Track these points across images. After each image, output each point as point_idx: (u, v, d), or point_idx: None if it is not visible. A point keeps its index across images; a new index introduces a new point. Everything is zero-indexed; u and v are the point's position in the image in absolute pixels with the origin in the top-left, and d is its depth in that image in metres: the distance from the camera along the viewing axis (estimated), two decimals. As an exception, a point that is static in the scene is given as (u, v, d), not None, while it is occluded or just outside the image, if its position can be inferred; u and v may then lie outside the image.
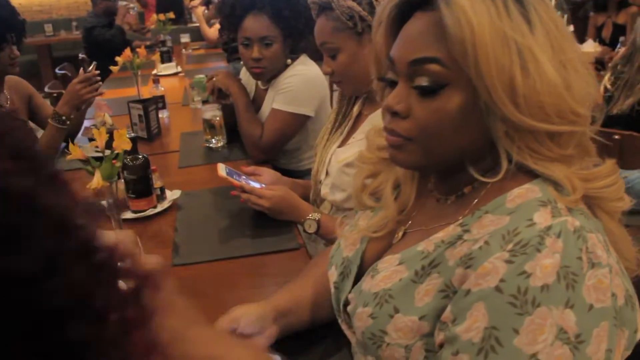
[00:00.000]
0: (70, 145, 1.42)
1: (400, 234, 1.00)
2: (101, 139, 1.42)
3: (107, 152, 1.42)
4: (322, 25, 1.62)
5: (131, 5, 6.12)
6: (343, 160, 1.66)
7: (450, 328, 0.78)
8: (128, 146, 1.41)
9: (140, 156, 1.78)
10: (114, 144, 1.40)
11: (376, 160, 1.08)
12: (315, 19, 1.65)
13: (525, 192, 0.81)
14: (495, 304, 0.73)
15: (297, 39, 2.23)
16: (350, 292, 1.01)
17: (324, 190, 1.76)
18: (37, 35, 7.95)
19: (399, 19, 0.89)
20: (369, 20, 1.53)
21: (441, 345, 0.80)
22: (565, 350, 0.70)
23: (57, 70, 4.50)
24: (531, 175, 0.82)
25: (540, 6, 0.80)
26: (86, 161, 1.44)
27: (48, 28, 7.98)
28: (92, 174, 1.41)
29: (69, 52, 7.42)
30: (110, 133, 1.45)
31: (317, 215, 1.64)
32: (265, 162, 2.23)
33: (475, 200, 0.87)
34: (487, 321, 0.74)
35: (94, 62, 2.45)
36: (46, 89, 3.85)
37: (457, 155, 0.86)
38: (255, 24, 2.17)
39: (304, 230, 1.65)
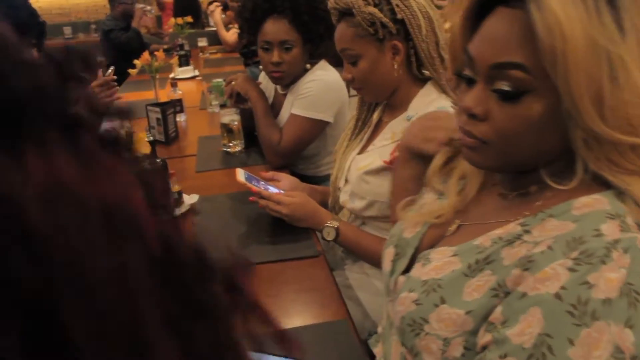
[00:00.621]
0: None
1: (455, 226, 0.98)
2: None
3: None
4: (342, 31, 1.60)
5: (147, 8, 6.15)
6: (362, 167, 1.64)
7: (499, 330, 0.76)
8: (147, 150, 1.40)
9: (158, 160, 1.78)
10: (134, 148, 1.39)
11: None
12: (336, 25, 1.63)
13: (593, 202, 0.78)
14: (553, 311, 0.71)
15: (317, 44, 2.21)
16: (402, 273, 1.01)
17: (343, 198, 1.74)
18: (56, 37, 8.02)
19: (478, 10, 0.85)
20: (390, 26, 1.51)
21: (484, 347, 0.78)
22: None
23: (76, 73, 4.51)
24: (602, 185, 0.80)
25: (633, 11, 0.76)
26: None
27: (67, 31, 8.04)
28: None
29: (88, 54, 7.46)
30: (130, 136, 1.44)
31: (335, 223, 1.62)
32: (284, 167, 2.22)
33: (539, 202, 0.85)
34: (542, 327, 0.71)
35: (112, 67, 2.45)
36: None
37: (532, 159, 0.84)
38: (275, 28, 2.16)
39: (323, 238, 1.64)
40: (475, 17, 0.85)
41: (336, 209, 1.83)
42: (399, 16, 1.51)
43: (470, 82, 0.86)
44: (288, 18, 2.15)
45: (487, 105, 0.82)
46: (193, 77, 4.20)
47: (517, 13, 0.78)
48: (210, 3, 5.40)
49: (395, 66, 1.57)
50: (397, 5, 1.50)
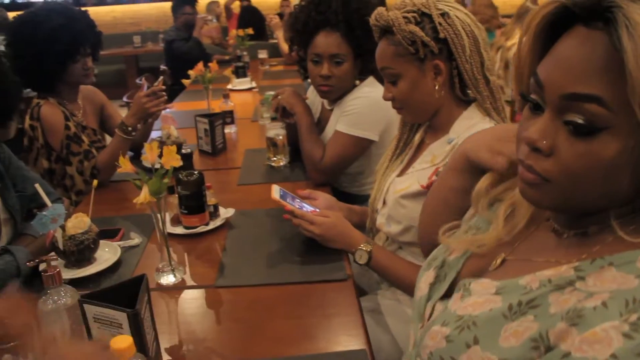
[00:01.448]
0: (121, 158, 1.41)
1: (499, 260, 0.89)
2: (152, 153, 1.41)
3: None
4: (383, 49, 1.56)
5: (209, 17, 6.26)
6: (400, 190, 1.58)
7: None
8: (177, 163, 1.39)
9: (195, 172, 1.77)
10: (163, 160, 1.38)
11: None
12: (377, 42, 1.59)
13: None
14: None
15: (368, 60, 2.17)
16: (440, 299, 0.94)
17: (380, 220, 1.69)
18: (126, 46, 8.29)
19: (551, 29, 0.75)
20: (431, 46, 1.45)
21: None
22: None
23: (137, 81, 4.64)
24: None
25: None
26: (136, 175, 1.43)
27: (136, 39, 8.30)
28: (140, 188, 1.40)
29: (154, 63, 7.67)
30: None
31: (369, 246, 1.57)
32: (325, 184, 2.18)
33: (599, 246, 0.75)
34: None
35: (161, 77, 2.48)
36: (124, 98, 3.97)
37: (598, 202, 0.74)
38: (326, 41, 2.13)
39: (354, 261, 1.58)
40: (548, 36, 0.76)
41: (373, 231, 1.77)
42: (441, 35, 1.45)
43: (537, 108, 0.76)
44: (340, 32, 2.12)
45: (554, 139, 0.72)
46: (249, 89, 4.22)
47: (599, 36, 0.67)
48: (272, 18, 5.45)
49: (437, 87, 1.51)
50: (440, 24, 1.44)
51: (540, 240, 0.86)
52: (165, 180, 1.40)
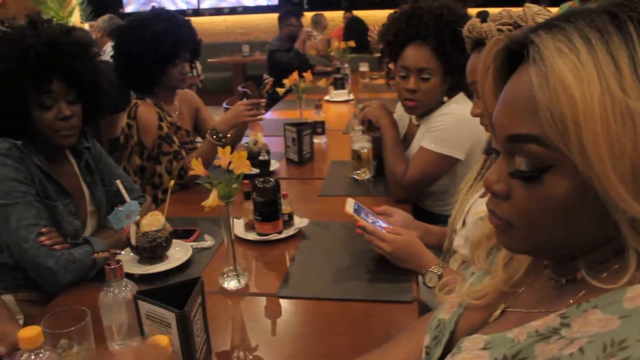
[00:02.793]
0: (193, 161, 1.42)
1: (499, 312, 0.84)
2: (225, 158, 1.41)
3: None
4: (475, 63, 1.48)
5: (313, 33, 6.33)
6: (480, 212, 1.49)
7: None
8: (247, 169, 1.38)
9: (271, 180, 1.76)
10: (233, 165, 1.38)
11: None
12: (469, 54, 1.51)
13: None
14: None
15: (458, 77, 2.09)
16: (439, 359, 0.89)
17: (457, 242, 1.60)
18: (236, 54, 8.56)
19: (508, 67, 0.72)
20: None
21: None
22: None
23: (239, 88, 4.75)
24: None
25: None
26: (208, 178, 1.44)
27: (245, 49, 8.55)
28: (210, 191, 1.40)
29: (260, 71, 7.86)
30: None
31: (440, 269, 1.49)
32: (407, 201, 2.11)
33: (585, 290, 0.69)
34: None
35: (266, 87, 2.53)
36: (224, 104, 4.07)
37: (566, 246, 0.69)
38: (415, 54, 2.08)
39: (424, 283, 1.51)
40: (506, 77, 0.71)
41: (450, 252, 1.69)
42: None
43: (499, 154, 0.73)
44: (430, 46, 2.05)
45: (508, 182, 0.69)
46: (346, 101, 4.21)
47: (530, 71, 0.64)
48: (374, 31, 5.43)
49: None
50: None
51: (539, 290, 0.81)
52: (235, 186, 1.40)
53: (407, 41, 2.08)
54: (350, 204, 1.66)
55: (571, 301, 0.70)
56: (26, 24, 1.68)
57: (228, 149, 1.42)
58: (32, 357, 0.95)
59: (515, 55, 0.69)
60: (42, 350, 0.97)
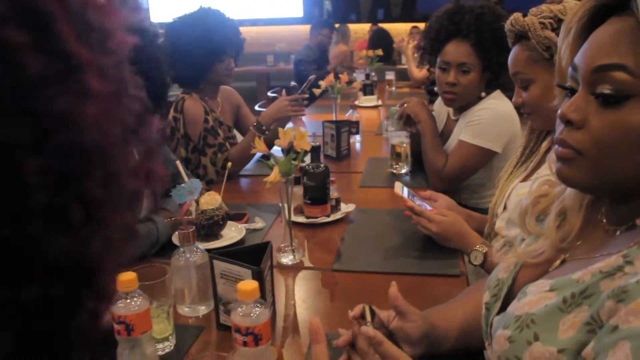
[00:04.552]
0: (257, 139, 1.52)
1: (559, 262, 0.92)
2: (285, 138, 1.50)
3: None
4: (517, 55, 1.57)
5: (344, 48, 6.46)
6: (522, 195, 1.57)
7: None
8: (307, 146, 1.48)
9: (321, 164, 1.85)
10: (295, 143, 1.48)
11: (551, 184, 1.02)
12: (511, 47, 1.60)
13: None
14: None
15: (496, 73, 2.17)
16: (498, 314, 0.96)
17: (499, 224, 1.68)
18: (260, 64, 8.71)
19: (590, 24, 0.82)
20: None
21: None
22: None
23: (269, 93, 4.88)
24: None
25: None
26: (268, 157, 1.53)
27: (269, 59, 8.70)
28: (271, 168, 1.49)
29: (284, 82, 8.00)
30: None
31: (485, 248, 1.56)
32: (446, 193, 2.18)
33: None
34: None
35: (307, 83, 2.62)
36: (256, 107, 4.19)
37: (633, 178, 0.76)
38: (456, 50, 2.17)
39: (469, 262, 1.58)
40: (587, 33, 0.82)
41: (491, 236, 1.76)
42: (577, 40, 1.44)
43: (572, 92, 0.82)
44: (471, 42, 2.15)
45: (585, 112, 0.78)
46: (375, 106, 4.31)
47: (627, 19, 0.75)
48: (401, 41, 5.53)
49: (569, 92, 1.49)
50: (577, 28, 1.44)
51: (595, 241, 0.87)
52: (295, 162, 1.49)
53: (449, 37, 2.18)
54: (398, 187, 1.74)
55: (632, 244, 0.77)
56: None
57: (289, 130, 1.52)
58: (127, 299, 1.04)
59: (604, 13, 0.79)
60: (136, 295, 1.06)
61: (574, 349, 0.74)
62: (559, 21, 1.47)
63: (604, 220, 0.88)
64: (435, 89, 2.40)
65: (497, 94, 2.24)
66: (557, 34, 1.45)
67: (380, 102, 4.38)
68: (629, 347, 0.64)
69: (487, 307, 1.02)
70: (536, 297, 0.84)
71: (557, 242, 0.92)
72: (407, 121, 2.38)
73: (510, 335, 0.84)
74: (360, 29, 9.07)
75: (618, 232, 0.83)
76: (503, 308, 0.96)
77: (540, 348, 0.78)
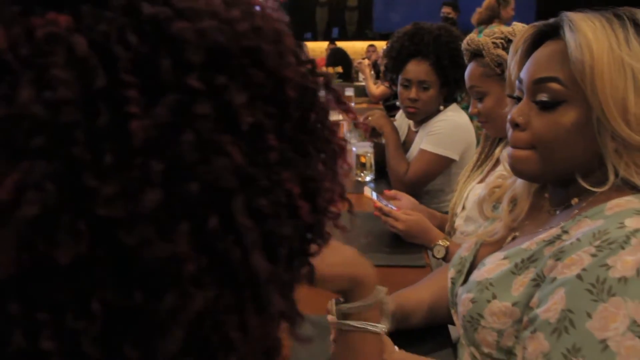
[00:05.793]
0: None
1: (510, 238, 1.12)
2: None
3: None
4: (472, 70, 1.77)
5: None
6: (479, 194, 1.76)
7: (534, 311, 0.88)
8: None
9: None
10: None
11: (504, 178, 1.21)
12: (467, 64, 1.80)
13: (625, 202, 0.89)
14: (574, 290, 0.82)
15: (453, 89, 2.38)
16: (462, 285, 1.14)
17: (458, 222, 1.87)
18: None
19: (533, 45, 1.03)
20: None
21: (525, 329, 0.90)
22: (637, 343, 0.75)
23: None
24: (636, 190, 0.91)
25: None
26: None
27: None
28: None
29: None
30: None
31: (446, 242, 1.75)
32: (407, 198, 2.37)
33: (577, 210, 0.96)
34: (565, 304, 0.82)
35: None
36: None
37: (570, 166, 0.96)
38: (417, 68, 2.36)
39: (433, 255, 1.76)
40: (530, 53, 1.02)
41: (451, 234, 1.95)
42: (524, 58, 1.65)
43: (519, 100, 1.01)
44: (430, 61, 2.34)
45: (528, 116, 0.97)
46: (337, 121, 4.49)
47: (558, 42, 0.95)
48: (360, 63, 5.75)
49: (518, 103, 1.70)
50: (524, 48, 1.65)
51: (539, 220, 1.07)
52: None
53: (409, 57, 2.37)
54: (368, 191, 1.92)
55: (568, 219, 0.97)
56: None
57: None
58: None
59: (542, 37, 1.00)
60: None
61: (524, 302, 0.92)
62: (509, 41, 1.67)
63: (547, 203, 1.08)
64: (397, 103, 2.59)
65: (454, 107, 2.45)
66: (507, 52, 1.67)
67: (341, 117, 4.55)
68: (564, 292, 0.83)
69: (453, 281, 1.21)
70: (493, 265, 1.03)
71: (510, 222, 1.12)
72: (372, 132, 2.57)
73: (473, 297, 1.02)
74: (318, 47, 9.28)
75: (558, 212, 1.03)
76: (465, 281, 1.15)
77: (497, 304, 0.96)
